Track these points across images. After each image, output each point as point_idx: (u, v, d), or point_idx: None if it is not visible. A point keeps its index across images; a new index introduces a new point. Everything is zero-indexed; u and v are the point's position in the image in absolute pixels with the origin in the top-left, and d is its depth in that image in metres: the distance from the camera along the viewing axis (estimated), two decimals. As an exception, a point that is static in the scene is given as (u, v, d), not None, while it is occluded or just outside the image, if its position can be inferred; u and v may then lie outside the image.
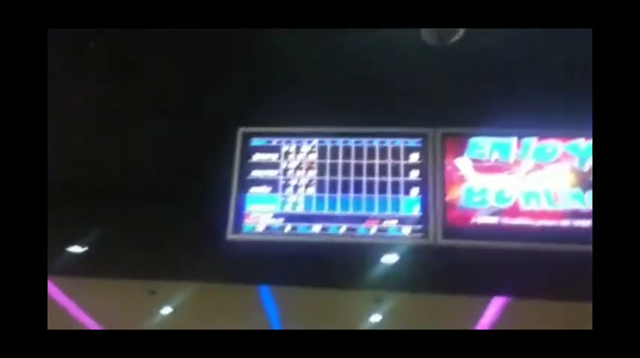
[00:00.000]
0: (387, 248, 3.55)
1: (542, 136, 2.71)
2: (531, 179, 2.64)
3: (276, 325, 6.87)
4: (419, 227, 2.58)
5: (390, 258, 4.09)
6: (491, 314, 5.96)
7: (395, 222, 2.60)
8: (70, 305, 6.52)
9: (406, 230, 2.59)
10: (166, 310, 6.55)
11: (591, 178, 2.59)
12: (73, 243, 4.27)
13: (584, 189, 2.59)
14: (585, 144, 2.67)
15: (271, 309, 6.39)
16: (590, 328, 1.57)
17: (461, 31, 2.40)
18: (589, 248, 2.51)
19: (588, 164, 2.63)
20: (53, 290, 6.01)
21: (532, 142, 2.70)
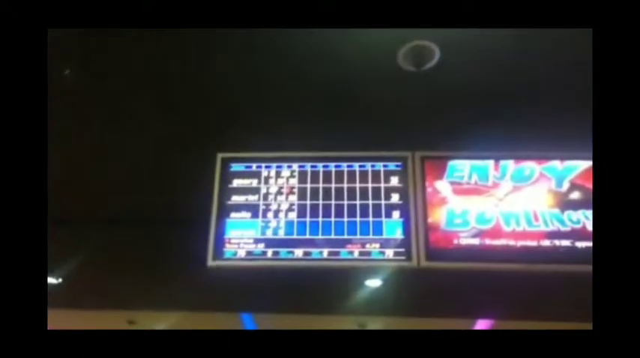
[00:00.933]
0: (370, 271, 3.54)
1: (519, 158, 2.75)
2: (510, 200, 2.66)
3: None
4: (402, 250, 2.57)
5: (373, 283, 4.07)
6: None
7: (377, 245, 2.59)
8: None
9: (389, 253, 2.57)
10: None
11: (569, 198, 2.64)
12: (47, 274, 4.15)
13: (562, 210, 2.63)
14: (562, 165, 2.72)
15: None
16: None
17: (436, 57, 2.45)
18: (570, 268, 2.58)
19: (565, 185, 2.68)
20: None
21: (509, 165, 2.74)
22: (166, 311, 5.21)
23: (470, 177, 2.72)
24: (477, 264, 2.58)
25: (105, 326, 5.98)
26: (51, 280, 4.19)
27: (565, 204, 2.63)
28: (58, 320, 5.70)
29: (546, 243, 2.57)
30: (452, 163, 2.75)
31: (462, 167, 2.74)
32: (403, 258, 2.56)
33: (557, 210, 2.63)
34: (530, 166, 2.73)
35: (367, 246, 2.59)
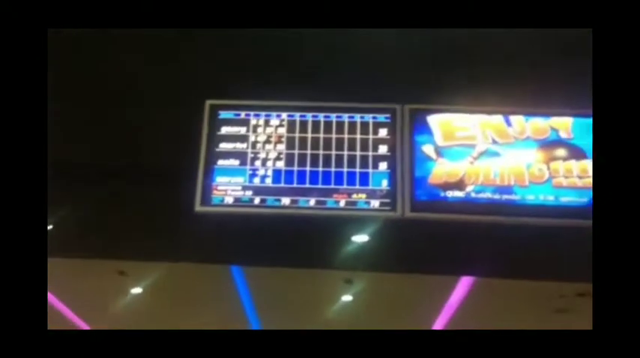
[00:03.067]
0: (356, 223, 3.59)
1: (507, 113, 2.76)
2: (498, 154, 2.68)
3: (247, 305, 6.89)
4: (387, 200, 2.60)
5: (359, 238, 4.13)
6: (460, 292, 6.10)
7: (364, 195, 2.62)
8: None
9: (375, 203, 2.60)
10: (136, 290, 6.48)
11: (556, 153, 2.66)
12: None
13: (548, 165, 2.66)
14: (550, 120, 2.73)
15: (243, 289, 6.40)
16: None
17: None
18: (553, 221, 2.63)
19: (553, 140, 2.70)
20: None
21: (497, 119, 2.75)
22: (157, 261, 5.26)
23: (457, 131, 2.73)
24: (462, 216, 2.63)
25: (95, 277, 6.06)
26: (41, 228, 4.22)
27: (551, 158, 2.66)
28: (51, 269, 5.76)
29: (531, 197, 2.61)
30: (440, 116, 2.75)
31: (450, 121, 2.75)
32: (388, 208, 2.59)
33: (543, 165, 2.65)
34: (518, 120, 2.74)
35: (354, 196, 2.62)
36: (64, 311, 7.33)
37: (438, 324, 7.31)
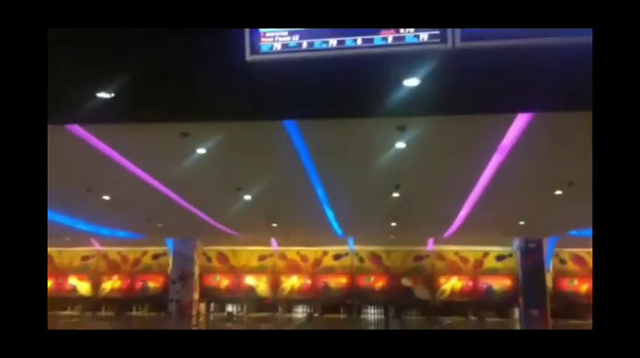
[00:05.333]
0: (407, 66, 3.52)
1: None
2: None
3: (305, 157, 7.21)
4: (436, 32, 2.54)
5: (410, 82, 4.09)
6: (515, 130, 6.06)
7: (411, 29, 2.56)
8: (107, 150, 6.91)
9: (423, 36, 2.55)
10: (200, 150, 6.90)
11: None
12: (100, 89, 4.37)
13: None
14: None
15: (299, 142, 6.65)
16: None
17: None
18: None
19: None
20: (87, 135, 6.34)
21: None
22: (215, 119, 5.48)
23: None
24: (519, 41, 2.50)
25: (159, 139, 6.46)
26: (104, 95, 4.43)
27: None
28: (118, 133, 6.18)
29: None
30: None
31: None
32: (437, 40, 2.54)
33: None
34: None
35: (401, 31, 2.57)
36: (137, 173, 8.00)
37: (491, 166, 7.43)
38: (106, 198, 9.56)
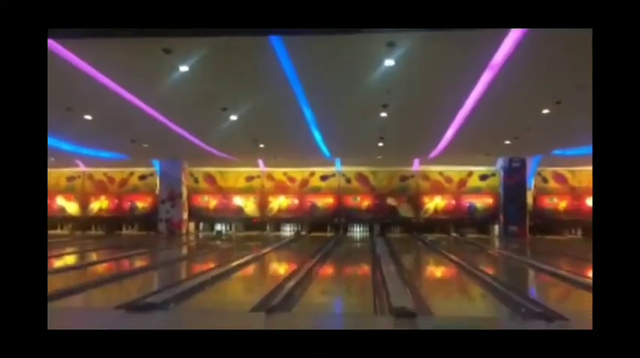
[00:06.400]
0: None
1: None
2: None
3: (292, 77, 7.03)
4: None
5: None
6: (506, 48, 5.93)
7: None
8: (85, 67, 6.63)
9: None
10: (183, 68, 6.67)
11: None
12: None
13: None
14: None
15: (286, 61, 6.44)
16: None
17: None
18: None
19: None
20: (64, 52, 6.06)
21: None
22: (198, 35, 5.24)
23: None
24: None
25: (140, 56, 6.20)
26: None
27: None
28: (93, 49, 5.89)
29: None
30: None
31: None
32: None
33: None
34: None
35: None
36: (119, 91, 7.76)
37: (481, 84, 7.34)
38: (88, 117, 9.35)
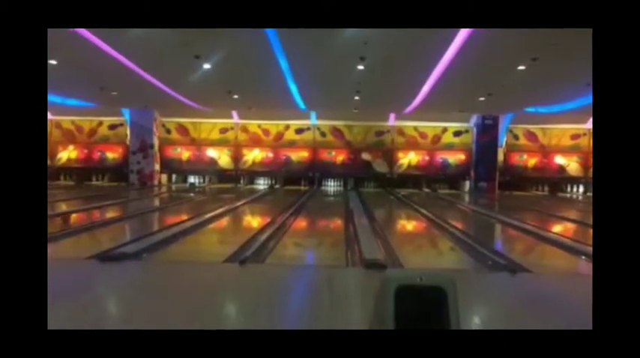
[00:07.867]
0: None
1: None
2: None
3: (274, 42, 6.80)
4: None
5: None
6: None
7: None
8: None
9: None
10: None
11: None
12: None
13: None
14: None
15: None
16: None
17: None
18: None
19: None
20: None
21: None
22: None
23: None
24: None
25: None
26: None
27: None
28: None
29: None
30: None
31: None
32: None
33: None
34: None
35: None
36: (84, 34, 7.41)
37: (459, 38, 7.27)
38: (53, 62, 8.94)
